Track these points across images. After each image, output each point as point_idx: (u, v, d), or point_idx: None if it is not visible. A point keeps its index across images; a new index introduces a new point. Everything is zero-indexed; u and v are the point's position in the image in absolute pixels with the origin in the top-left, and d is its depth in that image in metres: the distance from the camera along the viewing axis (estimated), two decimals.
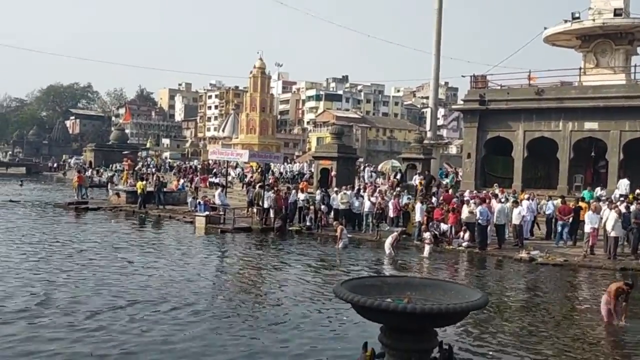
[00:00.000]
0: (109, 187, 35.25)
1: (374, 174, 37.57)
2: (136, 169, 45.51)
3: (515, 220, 18.33)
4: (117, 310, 10.23)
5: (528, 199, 19.69)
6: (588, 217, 17.01)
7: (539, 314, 11.27)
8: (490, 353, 8.70)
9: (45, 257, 15.19)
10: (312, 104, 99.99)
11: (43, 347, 8.23)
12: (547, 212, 19.59)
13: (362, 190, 23.32)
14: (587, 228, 16.95)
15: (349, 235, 19.32)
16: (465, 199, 19.83)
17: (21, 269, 13.53)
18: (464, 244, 18.28)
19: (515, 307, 11.81)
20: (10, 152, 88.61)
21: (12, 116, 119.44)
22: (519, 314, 11.25)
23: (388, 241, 17.10)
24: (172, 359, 8.07)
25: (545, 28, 28.65)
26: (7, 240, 17.74)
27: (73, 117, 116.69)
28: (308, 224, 21.70)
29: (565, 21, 26.87)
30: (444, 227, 18.80)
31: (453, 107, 64.88)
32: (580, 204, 18.95)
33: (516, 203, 19.10)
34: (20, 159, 78.82)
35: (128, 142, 68.24)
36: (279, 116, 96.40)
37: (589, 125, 24.23)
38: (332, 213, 22.38)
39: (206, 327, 9.50)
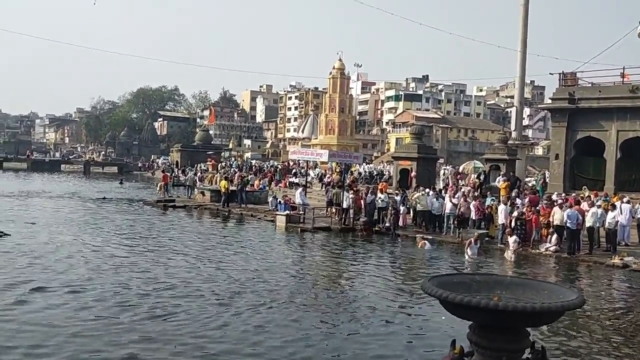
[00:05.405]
0: (195, 185, 36.44)
1: (447, 172, 36.72)
2: (219, 169, 46.88)
3: (609, 225, 17.41)
4: (204, 304, 10.63)
5: (628, 202, 18.62)
6: None
7: (633, 321, 10.68)
8: None
9: (140, 252, 16.05)
10: (391, 104, 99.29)
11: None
12: (634, 216, 18.52)
13: (443, 191, 22.93)
14: None
15: (429, 237, 19.09)
16: (558, 202, 18.99)
17: (123, 263, 14.39)
18: (552, 248, 17.58)
19: (608, 313, 11.22)
20: (103, 152, 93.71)
21: (105, 118, 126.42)
22: (612, 321, 10.70)
23: (466, 247, 16.80)
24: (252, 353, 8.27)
25: None
26: (105, 233, 18.89)
27: (161, 119, 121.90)
28: (387, 224, 21.58)
29: None
30: None
31: (540, 106, 62.45)
32: None
33: (613, 206, 18.05)
34: (113, 159, 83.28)
35: (212, 142, 70.42)
36: (357, 117, 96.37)
37: None
38: (411, 214, 22.21)
39: (289, 320, 9.68)
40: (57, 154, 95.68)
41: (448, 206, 20.69)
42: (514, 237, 17.30)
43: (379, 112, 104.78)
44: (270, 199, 28.56)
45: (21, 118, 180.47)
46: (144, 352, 7.93)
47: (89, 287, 11.33)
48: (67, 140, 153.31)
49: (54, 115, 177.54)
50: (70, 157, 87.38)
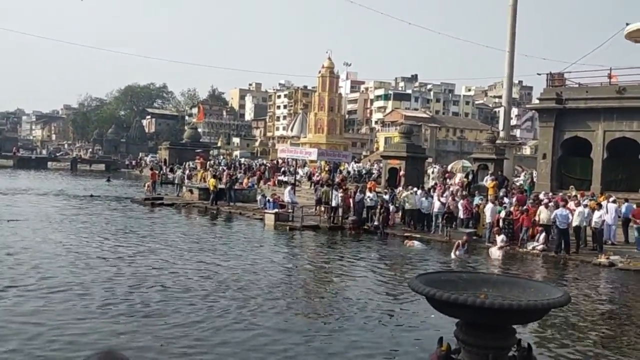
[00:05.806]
0: (184, 183, 36.22)
1: (435, 171, 36.77)
2: (208, 167, 46.60)
3: (595, 224, 17.56)
4: (190, 301, 10.57)
5: (614, 202, 18.80)
6: None
7: (618, 320, 10.78)
8: (570, 357, 8.40)
9: (126, 249, 15.94)
10: (380, 103, 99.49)
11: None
12: (619, 216, 18.73)
13: (431, 190, 23.03)
14: None
15: (417, 236, 19.14)
16: (544, 201, 19.14)
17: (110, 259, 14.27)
18: (539, 247, 17.69)
19: (593, 312, 11.32)
20: (90, 150, 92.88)
21: (92, 115, 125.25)
22: (597, 320, 10.80)
23: (454, 249, 16.77)
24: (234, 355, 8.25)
25: (627, 24, 27.32)
26: (91, 230, 18.76)
27: (149, 117, 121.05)
28: (376, 223, 21.62)
29: None
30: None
31: (528, 106, 62.96)
32: None
33: (599, 206, 18.22)
34: (100, 156, 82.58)
35: (200, 140, 70.04)
36: (346, 116, 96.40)
37: None
38: (400, 212, 22.26)
39: (273, 314, 9.67)
40: (44, 151, 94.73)
41: (436, 205, 20.77)
42: (502, 236, 17.38)
43: (368, 111, 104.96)
44: (259, 197, 28.48)
45: (7, 114, 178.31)
46: (128, 348, 7.87)
47: (73, 284, 11.25)
48: (54, 137, 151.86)
49: (41, 112, 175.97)
50: (57, 154, 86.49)
